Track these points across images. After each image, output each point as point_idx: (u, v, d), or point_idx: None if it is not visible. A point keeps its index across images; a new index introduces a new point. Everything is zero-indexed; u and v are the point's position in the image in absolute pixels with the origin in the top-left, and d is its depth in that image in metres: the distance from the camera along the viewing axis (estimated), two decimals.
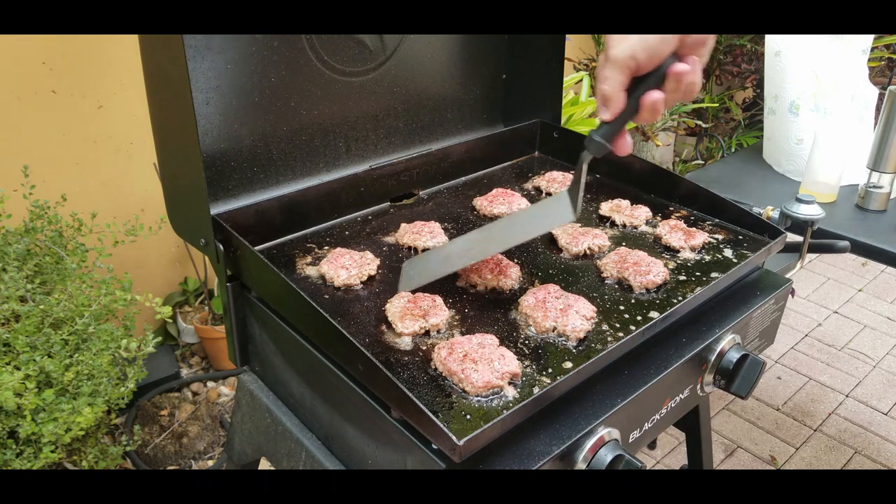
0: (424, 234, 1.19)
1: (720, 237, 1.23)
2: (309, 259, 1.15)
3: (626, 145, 0.92)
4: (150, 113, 1.05)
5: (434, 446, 0.78)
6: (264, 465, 1.32)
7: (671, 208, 1.35)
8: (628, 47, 0.82)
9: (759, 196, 1.81)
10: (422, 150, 1.41)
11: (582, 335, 0.94)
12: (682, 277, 1.11)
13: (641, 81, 0.86)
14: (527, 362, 0.90)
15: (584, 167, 0.97)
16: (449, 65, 1.44)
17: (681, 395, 1.03)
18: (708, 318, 1.07)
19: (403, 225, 1.24)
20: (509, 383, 0.85)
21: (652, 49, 0.83)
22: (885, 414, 2.53)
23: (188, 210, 1.09)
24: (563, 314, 0.96)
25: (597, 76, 0.88)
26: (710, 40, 0.87)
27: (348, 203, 1.29)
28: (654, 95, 0.85)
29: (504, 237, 1.07)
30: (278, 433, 1.09)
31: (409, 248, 1.19)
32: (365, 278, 1.08)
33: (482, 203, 1.34)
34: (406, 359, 0.91)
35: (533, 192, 1.44)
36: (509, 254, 1.16)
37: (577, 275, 1.12)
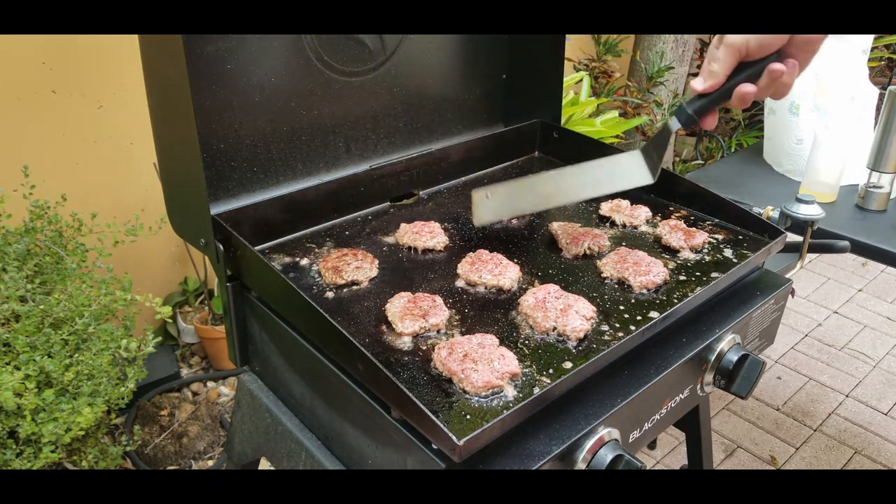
0: (424, 233, 1.19)
1: (720, 237, 1.23)
2: (309, 259, 1.15)
3: (713, 121, 0.99)
4: (150, 113, 1.05)
5: (434, 446, 0.78)
6: (264, 465, 1.32)
7: (671, 208, 1.35)
8: (743, 35, 0.90)
9: (759, 196, 1.81)
10: (422, 150, 1.41)
11: (582, 335, 0.94)
12: (682, 277, 1.11)
13: (743, 69, 0.92)
14: (527, 362, 0.90)
15: (672, 137, 1.03)
16: (449, 65, 1.44)
17: (681, 395, 1.03)
18: (708, 318, 1.07)
19: (403, 225, 1.24)
20: (509, 383, 0.85)
21: (763, 41, 0.90)
22: (885, 414, 2.53)
23: (188, 210, 1.09)
24: (563, 314, 0.96)
25: (707, 55, 0.96)
26: (818, 44, 0.92)
27: (348, 203, 1.29)
28: (747, 88, 0.93)
29: (583, 187, 1.11)
30: (278, 433, 1.09)
31: (409, 248, 1.19)
32: (365, 278, 1.08)
33: None
34: (406, 359, 0.91)
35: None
36: (509, 254, 1.16)
37: (577, 275, 1.12)
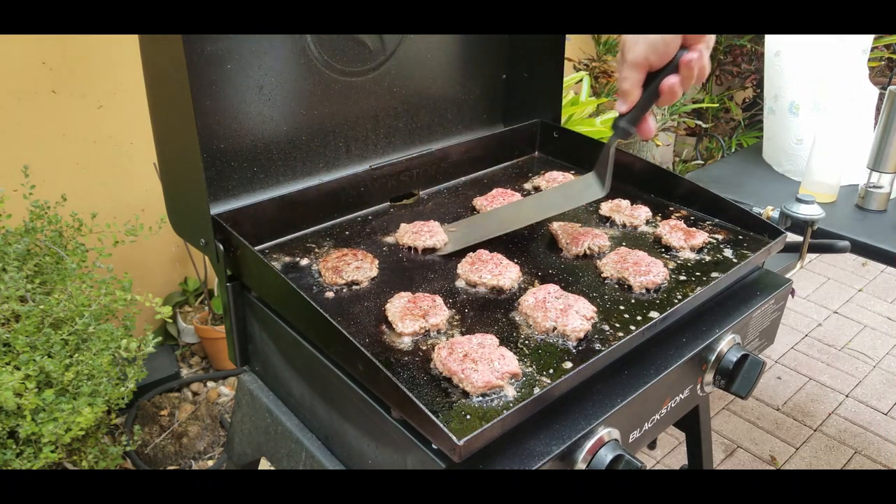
0: (424, 233, 1.19)
1: (720, 237, 1.23)
2: (309, 259, 1.15)
3: (649, 129, 1.05)
4: (150, 113, 1.05)
5: (434, 446, 0.78)
6: (264, 465, 1.32)
7: (671, 208, 1.35)
8: (641, 51, 0.96)
9: (759, 196, 1.81)
10: (422, 150, 1.41)
11: (582, 335, 0.94)
12: (682, 277, 1.11)
13: (657, 74, 0.99)
14: (527, 362, 0.90)
15: (612, 150, 1.12)
16: (449, 65, 1.44)
17: (681, 395, 1.03)
18: (708, 318, 1.07)
19: (403, 225, 1.24)
20: (509, 383, 0.85)
21: (661, 51, 0.96)
22: (885, 414, 2.53)
23: (188, 210, 1.09)
24: (563, 314, 0.96)
25: (616, 75, 1.01)
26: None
27: (348, 203, 1.29)
28: (671, 80, 0.98)
29: (539, 210, 1.23)
30: (278, 433, 1.09)
31: (409, 248, 1.19)
32: (365, 278, 1.08)
33: (482, 203, 1.34)
34: (406, 359, 0.91)
35: (533, 192, 1.44)
36: (509, 254, 1.16)
37: (577, 275, 1.12)
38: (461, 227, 1.25)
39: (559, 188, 1.32)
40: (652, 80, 0.99)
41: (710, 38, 0.98)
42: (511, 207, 1.29)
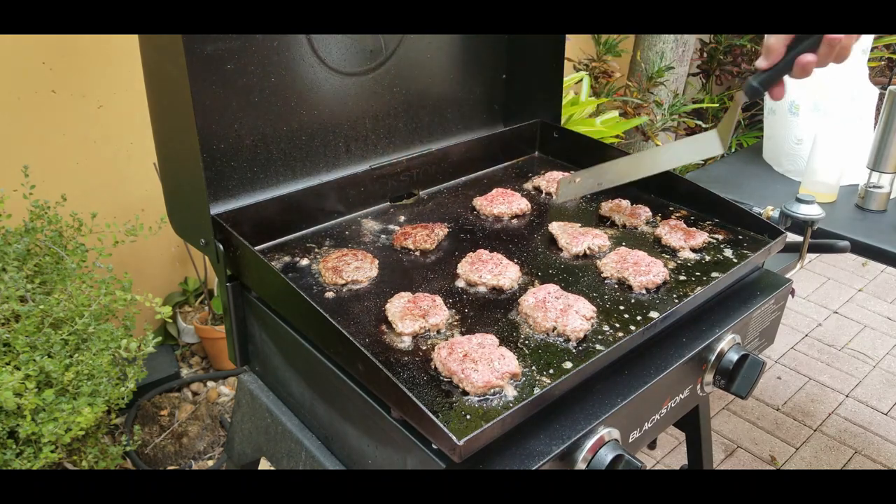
0: (424, 234, 1.20)
1: (720, 237, 1.23)
2: (309, 259, 1.15)
3: (781, 93, 1.05)
4: (150, 113, 1.05)
5: (434, 446, 0.78)
6: (264, 465, 1.32)
7: (671, 208, 1.35)
8: None
9: (759, 196, 1.81)
10: (422, 150, 1.41)
11: (582, 335, 0.94)
12: (682, 277, 1.11)
13: (801, 41, 0.98)
14: (527, 362, 0.90)
15: (739, 108, 1.13)
16: (449, 65, 1.44)
17: (681, 395, 1.03)
18: (708, 318, 1.07)
19: (403, 225, 1.24)
20: (509, 383, 0.85)
21: None
22: (885, 414, 2.53)
23: (188, 210, 1.09)
24: (563, 314, 0.96)
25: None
26: None
27: (348, 203, 1.29)
28: (808, 58, 0.97)
29: (655, 163, 1.26)
30: (278, 433, 1.09)
31: (409, 248, 1.19)
32: (365, 278, 1.08)
33: (482, 203, 1.34)
34: (406, 359, 0.91)
35: (533, 192, 1.44)
36: (509, 254, 1.16)
37: (577, 275, 1.12)
38: (582, 176, 1.30)
39: (679, 143, 1.27)
40: (796, 45, 0.98)
41: None
42: (631, 159, 1.31)
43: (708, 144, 1.19)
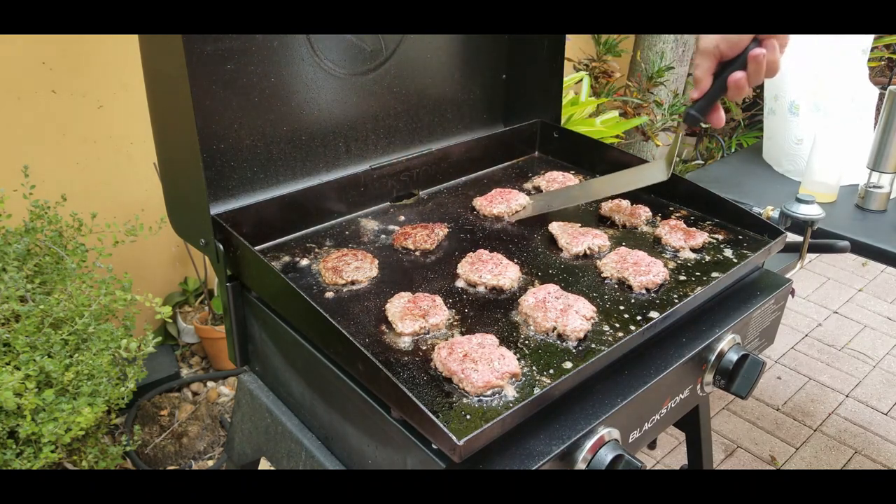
0: (424, 234, 1.20)
1: (720, 237, 1.23)
2: (309, 259, 1.15)
3: (720, 119, 1.09)
4: (150, 113, 1.05)
5: (434, 446, 0.78)
6: (264, 465, 1.32)
7: (671, 208, 1.35)
8: (712, 39, 0.99)
9: (759, 196, 1.81)
10: (422, 150, 1.41)
11: (582, 335, 0.94)
12: (682, 277, 1.11)
13: (727, 66, 1.02)
14: (527, 362, 0.90)
15: (679, 138, 1.19)
16: (449, 65, 1.44)
17: (681, 395, 1.03)
18: (708, 318, 1.07)
19: (403, 225, 1.24)
20: (509, 383, 0.85)
21: (732, 40, 0.98)
22: (885, 414, 2.53)
23: (188, 210, 1.09)
24: (563, 314, 0.96)
25: (693, 64, 1.05)
26: None
27: (348, 203, 1.29)
28: (737, 75, 1.01)
29: (604, 189, 1.32)
30: (278, 433, 1.09)
31: (409, 248, 1.19)
32: (365, 278, 1.08)
33: (482, 203, 1.34)
34: (406, 359, 0.91)
35: (533, 192, 1.44)
36: (509, 254, 1.16)
37: (577, 275, 1.12)
38: (541, 198, 1.37)
39: (627, 171, 1.36)
40: (724, 70, 1.02)
41: (785, 36, 0.99)
42: (581, 186, 1.39)
43: (654, 172, 1.26)
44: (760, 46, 0.98)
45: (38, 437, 1.47)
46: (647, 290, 1.07)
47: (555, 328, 0.95)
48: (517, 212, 1.33)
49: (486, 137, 1.52)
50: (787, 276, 1.23)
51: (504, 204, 1.32)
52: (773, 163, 2.04)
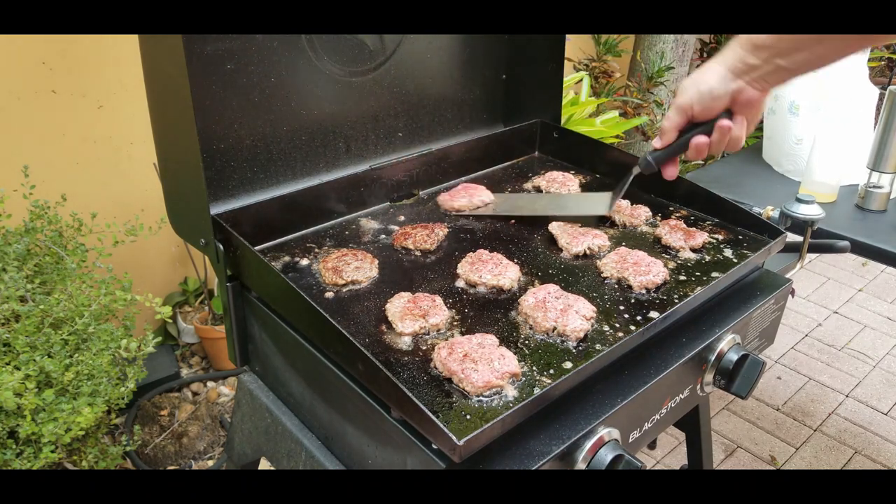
0: (424, 234, 1.19)
1: (720, 237, 1.23)
2: (309, 259, 1.15)
3: (672, 173, 1.12)
4: (150, 113, 1.05)
5: (434, 446, 0.78)
6: (264, 465, 1.32)
7: (671, 208, 1.35)
8: (688, 97, 1.01)
9: (759, 196, 1.81)
10: (422, 150, 1.41)
11: (582, 335, 0.94)
12: (682, 277, 1.11)
13: (694, 127, 1.04)
14: (527, 362, 0.90)
15: (629, 178, 1.20)
16: (449, 65, 1.44)
17: (681, 395, 1.03)
18: (708, 318, 1.07)
19: (403, 225, 1.24)
20: (509, 383, 0.85)
21: (706, 103, 1.00)
22: (885, 414, 2.53)
23: (188, 210, 1.09)
24: (563, 314, 0.96)
25: (665, 116, 1.08)
26: (760, 104, 0.99)
27: (348, 203, 1.29)
28: (700, 139, 1.03)
29: (546, 208, 1.33)
30: (278, 433, 1.09)
31: (409, 248, 1.19)
32: (365, 278, 1.08)
33: (444, 198, 1.35)
34: (406, 359, 0.91)
35: (533, 192, 1.44)
36: (509, 254, 1.16)
37: (577, 275, 1.12)
38: (498, 201, 1.37)
39: (575, 196, 1.39)
40: (690, 129, 1.04)
41: (756, 114, 1.00)
42: (529, 198, 1.39)
43: (597, 203, 1.29)
44: (731, 119, 0.99)
45: (38, 437, 1.47)
46: (647, 290, 1.07)
47: (555, 328, 0.95)
48: (478, 207, 1.33)
49: (486, 137, 1.52)
50: (787, 276, 1.23)
51: (466, 198, 1.33)
52: (773, 163, 2.04)
